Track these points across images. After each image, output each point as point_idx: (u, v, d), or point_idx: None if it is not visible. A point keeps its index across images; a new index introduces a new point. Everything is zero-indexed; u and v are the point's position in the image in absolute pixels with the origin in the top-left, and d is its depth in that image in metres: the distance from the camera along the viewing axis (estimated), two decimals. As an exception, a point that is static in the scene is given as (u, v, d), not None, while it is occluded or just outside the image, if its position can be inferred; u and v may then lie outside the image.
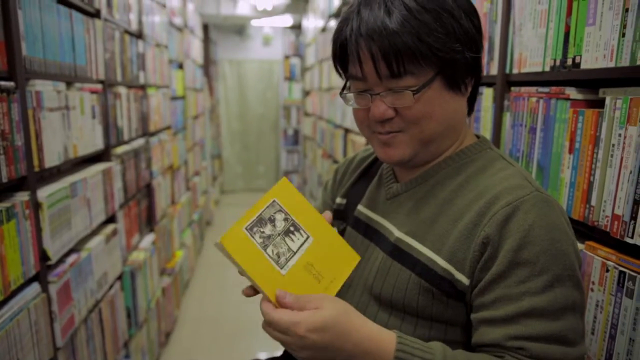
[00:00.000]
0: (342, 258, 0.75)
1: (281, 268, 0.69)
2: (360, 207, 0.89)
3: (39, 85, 1.31)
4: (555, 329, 0.62)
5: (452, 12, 0.68)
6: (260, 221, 0.71)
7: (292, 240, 0.72)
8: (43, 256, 1.30)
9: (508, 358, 0.63)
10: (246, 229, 0.69)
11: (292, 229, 0.72)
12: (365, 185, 0.90)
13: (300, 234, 0.73)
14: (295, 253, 0.71)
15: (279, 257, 0.70)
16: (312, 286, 0.70)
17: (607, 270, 0.86)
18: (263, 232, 0.70)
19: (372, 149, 0.96)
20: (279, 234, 0.71)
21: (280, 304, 0.65)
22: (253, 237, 0.69)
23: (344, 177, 0.97)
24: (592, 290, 0.90)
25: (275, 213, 0.73)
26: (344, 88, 0.78)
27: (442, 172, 0.77)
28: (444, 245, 0.70)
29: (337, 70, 0.78)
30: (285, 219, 0.73)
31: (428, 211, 0.75)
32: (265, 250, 0.69)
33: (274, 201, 0.73)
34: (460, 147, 0.78)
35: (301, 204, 0.75)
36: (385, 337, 0.64)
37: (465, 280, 0.68)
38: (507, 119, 1.24)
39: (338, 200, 0.96)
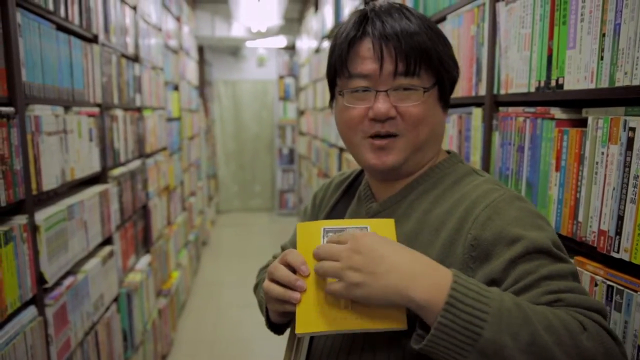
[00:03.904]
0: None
1: None
2: None
3: (38, 109, 1.34)
4: (575, 286, 0.65)
5: (445, 39, 0.79)
6: (340, 231, 0.74)
7: None
8: (40, 279, 1.30)
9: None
10: (325, 229, 0.74)
11: None
12: (344, 207, 0.92)
13: None
14: None
15: None
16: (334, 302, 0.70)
17: (596, 285, 0.88)
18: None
19: (347, 173, 0.99)
20: None
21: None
22: (323, 237, 0.73)
23: (322, 201, 0.99)
24: (582, 304, 0.91)
25: None
26: (333, 94, 0.82)
27: (420, 187, 0.80)
28: (430, 255, 0.72)
29: (334, 73, 0.80)
30: None
31: (409, 225, 0.77)
32: None
33: (366, 227, 0.74)
34: (435, 162, 0.82)
35: None
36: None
37: None
38: (496, 138, 1.28)
39: None
